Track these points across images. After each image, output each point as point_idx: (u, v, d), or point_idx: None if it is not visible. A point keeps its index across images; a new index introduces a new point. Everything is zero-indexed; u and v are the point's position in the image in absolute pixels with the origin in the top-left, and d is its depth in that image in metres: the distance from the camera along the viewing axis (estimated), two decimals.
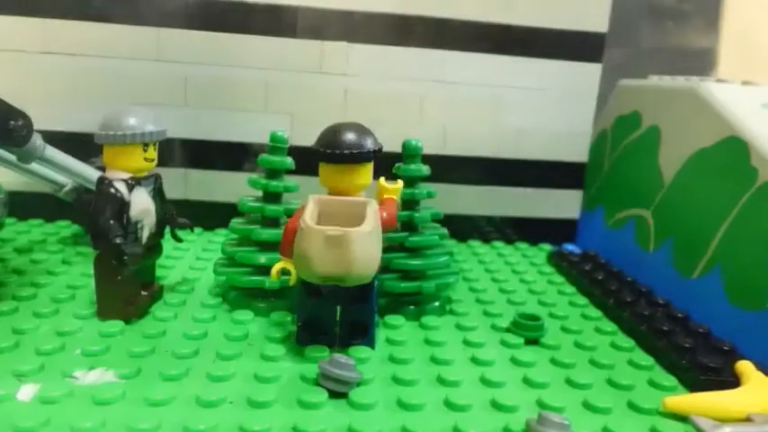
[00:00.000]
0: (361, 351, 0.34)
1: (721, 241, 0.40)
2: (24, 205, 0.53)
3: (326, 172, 0.34)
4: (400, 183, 0.36)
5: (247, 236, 0.40)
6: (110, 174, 0.36)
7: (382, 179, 0.35)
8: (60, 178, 0.47)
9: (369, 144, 0.33)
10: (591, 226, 0.59)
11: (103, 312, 0.36)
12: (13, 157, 0.40)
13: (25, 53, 0.53)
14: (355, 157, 0.33)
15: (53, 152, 0.41)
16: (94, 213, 0.35)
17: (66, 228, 0.55)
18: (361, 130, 0.34)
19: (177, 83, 0.55)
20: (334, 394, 0.30)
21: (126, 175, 0.36)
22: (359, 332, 0.35)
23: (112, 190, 0.35)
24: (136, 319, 0.37)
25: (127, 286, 0.36)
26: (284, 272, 0.34)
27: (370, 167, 0.34)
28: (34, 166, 0.42)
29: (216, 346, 0.34)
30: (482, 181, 0.59)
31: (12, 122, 0.34)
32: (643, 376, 0.34)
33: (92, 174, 0.45)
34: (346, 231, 0.30)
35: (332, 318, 0.35)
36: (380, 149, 0.34)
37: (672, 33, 0.65)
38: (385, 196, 0.35)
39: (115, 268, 0.35)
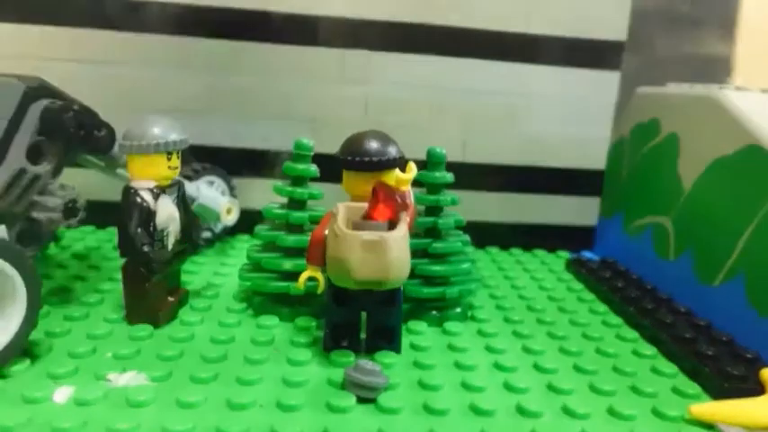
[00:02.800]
0: (386, 356, 0.34)
1: (744, 248, 0.40)
2: None
3: (350, 179, 0.35)
4: (414, 169, 0.35)
5: (272, 242, 0.40)
6: (135, 183, 0.36)
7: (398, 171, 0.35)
8: None
9: (391, 152, 0.34)
10: (609, 233, 0.60)
11: (133, 318, 0.37)
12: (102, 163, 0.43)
13: (51, 61, 0.54)
14: (378, 165, 0.34)
15: None
16: (122, 223, 0.36)
17: (90, 233, 0.56)
18: (384, 138, 0.35)
19: (200, 91, 0.56)
20: (361, 399, 0.30)
21: (151, 184, 0.36)
22: (385, 337, 0.35)
23: (139, 199, 0.35)
24: (159, 326, 0.37)
25: (154, 293, 0.37)
26: (311, 279, 0.35)
27: (392, 175, 0.34)
28: (122, 172, 0.44)
29: (243, 350, 0.35)
30: (500, 188, 0.60)
31: (96, 132, 0.37)
32: (666, 384, 0.34)
33: None
34: (383, 236, 0.30)
35: (358, 323, 0.35)
36: (403, 158, 0.35)
37: (689, 41, 0.66)
38: (402, 188, 0.35)
39: (143, 276, 0.36)
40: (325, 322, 0.35)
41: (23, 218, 0.35)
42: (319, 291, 0.35)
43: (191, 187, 0.47)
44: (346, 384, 0.31)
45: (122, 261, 0.37)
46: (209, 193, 0.49)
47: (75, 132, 0.36)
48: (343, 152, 0.34)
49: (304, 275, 0.35)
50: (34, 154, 0.36)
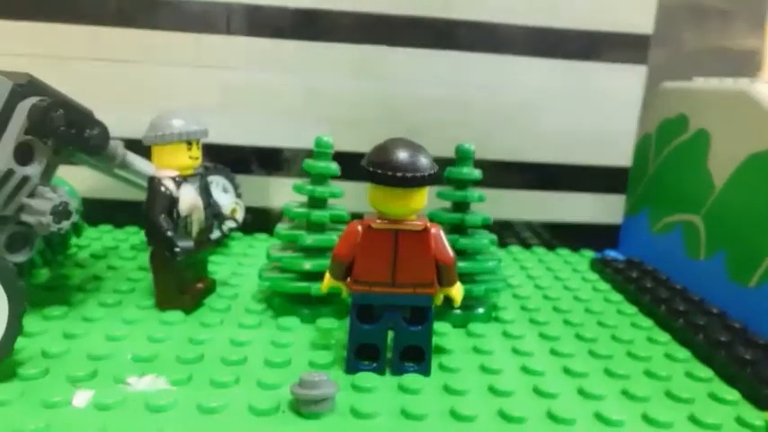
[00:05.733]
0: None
1: None
2: None
3: (377, 194, 0.30)
4: None
5: (293, 241, 0.39)
6: (159, 173, 0.38)
7: None
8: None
9: (426, 166, 0.30)
10: (634, 232, 0.58)
11: (162, 303, 0.39)
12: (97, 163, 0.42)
13: (69, 59, 0.54)
14: (411, 181, 0.29)
15: (134, 159, 0.43)
16: (146, 210, 0.37)
17: (107, 232, 0.55)
18: (416, 149, 0.30)
19: (216, 88, 0.55)
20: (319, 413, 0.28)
21: (173, 173, 0.38)
22: (413, 357, 0.33)
23: (162, 188, 0.37)
24: (188, 310, 0.39)
25: (181, 277, 0.39)
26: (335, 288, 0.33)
27: (425, 191, 0.31)
28: (120, 171, 0.44)
29: (264, 352, 0.34)
30: (522, 185, 0.58)
31: (87, 131, 0.36)
32: (703, 389, 0.33)
33: None
34: None
35: (383, 343, 0.32)
36: (438, 172, 0.30)
37: (717, 34, 0.64)
38: None
39: (170, 262, 0.37)
40: (347, 342, 0.32)
41: (13, 222, 0.34)
42: (343, 296, 0.33)
43: None
44: (298, 404, 0.28)
45: (151, 249, 0.38)
46: (213, 194, 0.48)
47: (65, 131, 0.34)
48: (370, 163, 0.30)
49: (327, 283, 0.33)
50: (23, 154, 0.34)
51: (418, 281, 0.32)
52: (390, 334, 0.33)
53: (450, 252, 0.32)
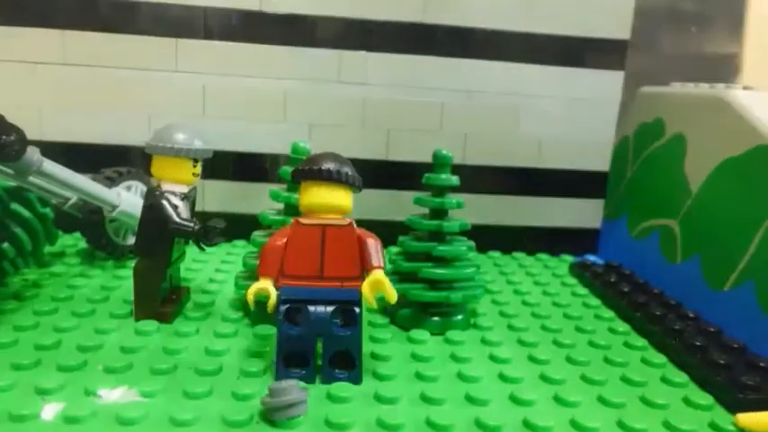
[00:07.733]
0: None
1: (755, 252, 0.39)
2: None
3: (306, 193, 0.32)
4: None
5: None
6: (164, 186, 0.38)
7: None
8: (65, 191, 0.44)
9: (349, 172, 0.32)
10: (613, 236, 0.58)
11: (141, 313, 0.38)
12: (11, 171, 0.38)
13: (43, 65, 0.53)
14: (334, 174, 0.32)
15: (51, 166, 0.39)
16: (164, 219, 0.37)
17: (82, 239, 0.54)
18: (343, 161, 0.33)
19: (195, 93, 0.55)
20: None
21: (181, 189, 0.38)
22: (343, 365, 0.32)
23: (165, 201, 0.37)
24: (168, 323, 0.38)
25: (161, 289, 0.38)
26: (262, 296, 0.32)
27: (350, 194, 0.33)
28: (35, 179, 0.40)
29: (239, 362, 0.33)
30: (501, 191, 0.59)
31: (3, 137, 0.33)
32: (677, 394, 0.33)
33: (93, 188, 0.43)
34: None
35: (312, 349, 0.32)
36: (360, 181, 0.33)
37: (694, 39, 0.64)
38: None
39: (154, 272, 0.37)
40: (276, 349, 0.32)
41: None
42: (270, 310, 0.32)
43: (111, 194, 0.44)
44: (269, 413, 0.28)
45: (136, 260, 0.38)
46: (131, 199, 0.46)
47: None
48: (303, 167, 0.33)
49: (253, 289, 0.32)
50: None
51: (345, 274, 0.32)
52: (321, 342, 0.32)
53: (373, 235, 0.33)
